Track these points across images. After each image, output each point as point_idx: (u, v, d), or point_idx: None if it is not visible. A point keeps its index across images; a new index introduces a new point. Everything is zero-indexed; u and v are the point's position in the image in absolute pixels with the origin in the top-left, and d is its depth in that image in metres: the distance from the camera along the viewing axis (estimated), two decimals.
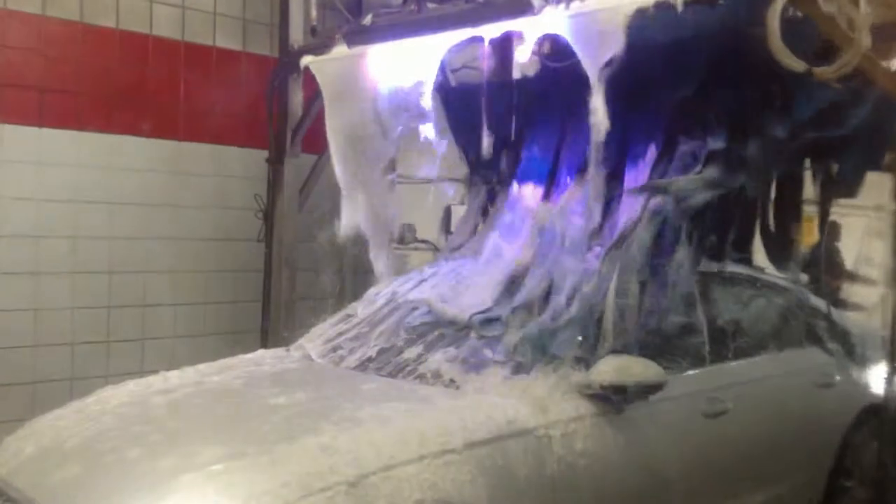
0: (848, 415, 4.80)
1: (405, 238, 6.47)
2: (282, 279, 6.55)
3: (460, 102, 5.42)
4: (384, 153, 5.38)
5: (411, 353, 3.98)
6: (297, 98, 6.54)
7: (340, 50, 5.53)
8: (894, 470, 4.60)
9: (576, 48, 4.16)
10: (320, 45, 5.84)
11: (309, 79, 5.93)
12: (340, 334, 4.40)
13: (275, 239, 6.61)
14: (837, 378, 4.79)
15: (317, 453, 2.97)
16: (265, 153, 6.65)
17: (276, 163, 6.60)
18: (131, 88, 6.52)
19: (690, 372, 4.10)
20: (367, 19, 5.53)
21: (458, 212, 6.30)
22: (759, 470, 4.29)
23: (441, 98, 5.40)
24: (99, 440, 3.21)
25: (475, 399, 3.51)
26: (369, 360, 4.07)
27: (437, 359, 3.86)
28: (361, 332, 4.36)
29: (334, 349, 4.28)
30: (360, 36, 5.49)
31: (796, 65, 4.17)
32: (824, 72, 4.18)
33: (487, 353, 3.83)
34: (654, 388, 3.61)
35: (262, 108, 6.52)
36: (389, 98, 5.26)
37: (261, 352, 4.46)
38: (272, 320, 6.57)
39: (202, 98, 6.86)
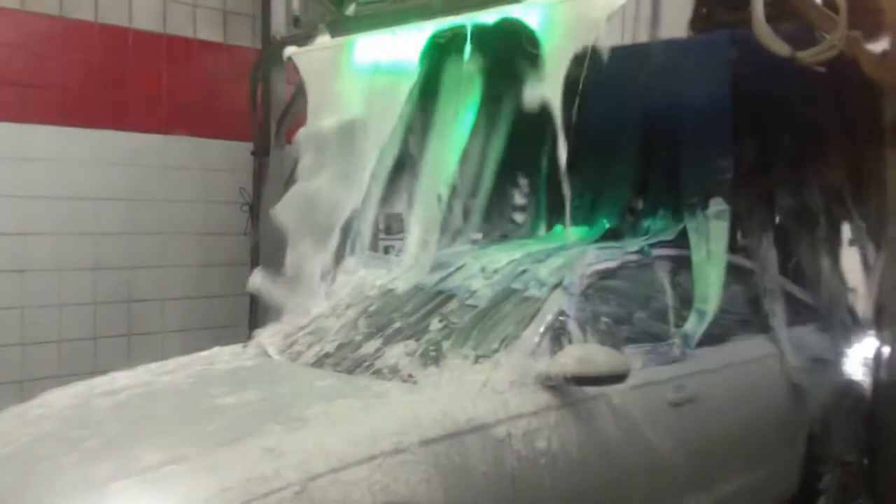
0: (820, 401, 4.66)
1: (391, 228, 6.35)
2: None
3: None
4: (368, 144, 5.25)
5: (369, 347, 3.84)
6: (280, 89, 6.49)
7: (324, 40, 5.44)
8: (867, 455, 4.60)
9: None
10: (303, 35, 5.76)
11: (293, 70, 5.85)
12: (301, 328, 4.27)
13: (261, 232, 6.54)
14: (810, 363, 4.65)
15: (261, 456, 2.85)
16: (250, 146, 6.60)
17: (261, 155, 6.56)
18: (113, 82, 6.49)
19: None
20: (351, 9, 5.45)
21: None
22: (729, 459, 4.19)
23: None
24: (36, 446, 3.12)
25: (432, 394, 3.39)
26: (327, 355, 3.93)
27: (396, 353, 3.73)
28: (321, 325, 4.23)
29: (292, 344, 4.15)
30: (344, 26, 5.40)
31: (781, 48, 4.07)
32: (807, 56, 4.08)
33: (446, 344, 3.71)
34: (619, 377, 3.51)
35: (246, 101, 6.46)
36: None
37: (216, 349, 4.32)
38: (259, 314, 6.50)
39: (185, 91, 6.82)
